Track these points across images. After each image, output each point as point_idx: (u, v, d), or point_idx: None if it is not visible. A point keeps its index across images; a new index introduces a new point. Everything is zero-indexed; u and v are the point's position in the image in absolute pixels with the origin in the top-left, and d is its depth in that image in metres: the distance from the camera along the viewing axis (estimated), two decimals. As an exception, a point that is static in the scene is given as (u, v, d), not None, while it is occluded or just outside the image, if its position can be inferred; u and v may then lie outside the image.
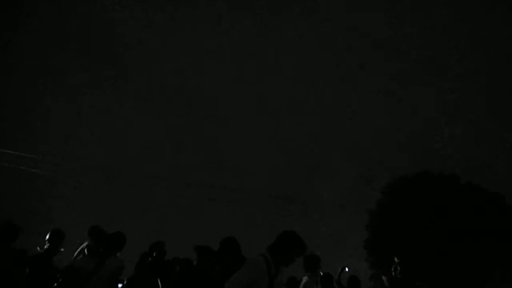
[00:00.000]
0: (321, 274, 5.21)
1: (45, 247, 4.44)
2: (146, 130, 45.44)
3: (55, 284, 4.33)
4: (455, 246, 20.64)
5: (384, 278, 5.08)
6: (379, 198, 24.93)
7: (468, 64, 45.06)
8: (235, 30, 50.06)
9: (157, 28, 48.42)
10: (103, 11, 44.81)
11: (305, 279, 4.79)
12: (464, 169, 26.11)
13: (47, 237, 4.48)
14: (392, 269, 5.08)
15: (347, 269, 5.78)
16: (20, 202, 27.84)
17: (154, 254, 5.37)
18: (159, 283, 5.06)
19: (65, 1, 43.37)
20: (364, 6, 46.65)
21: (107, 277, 4.00)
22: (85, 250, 4.62)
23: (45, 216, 27.28)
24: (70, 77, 41.97)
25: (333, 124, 46.46)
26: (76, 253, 4.78)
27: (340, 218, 29.66)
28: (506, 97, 40.78)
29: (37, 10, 40.95)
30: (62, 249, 5.09)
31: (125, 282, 5.63)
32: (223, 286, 2.98)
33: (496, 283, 20.00)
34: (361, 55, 49.12)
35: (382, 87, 47.30)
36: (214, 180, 36.21)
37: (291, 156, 45.29)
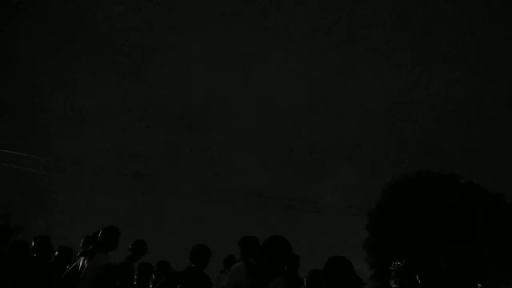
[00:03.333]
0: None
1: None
2: (146, 131, 45.47)
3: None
4: (455, 246, 20.66)
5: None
6: (379, 198, 24.94)
7: (468, 64, 45.04)
8: (236, 30, 50.07)
9: (160, 27, 48.48)
10: (105, 9, 44.86)
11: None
12: (464, 169, 26.14)
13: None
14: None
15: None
16: (20, 202, 27.89)
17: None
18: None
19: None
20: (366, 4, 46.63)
21: (90, 276, 3.68)
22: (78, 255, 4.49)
23: (44, 217, 27.32)
24: (72, 76, 41.98)
25: (332, 124, 46.48)
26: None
27: (340, 218, 29.67)
28: (507, 96, 40.75)
29: (37, 9, 40.99)
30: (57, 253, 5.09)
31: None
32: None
33: (496, 283, 20.02)
34: (360, 56, 49.14)
35: (381, 87, 47.33)
36: (216, 182, 36.25)
37: (291, 157, 45.31)
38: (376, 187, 25.65)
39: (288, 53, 52.49)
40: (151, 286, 5.59)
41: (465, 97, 45.02)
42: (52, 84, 41.12)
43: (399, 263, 5.27)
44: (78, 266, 3.96)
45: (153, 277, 5.59)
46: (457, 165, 30.87)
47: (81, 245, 4.36)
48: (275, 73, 51.85)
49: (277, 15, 47.93)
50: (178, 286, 4.39)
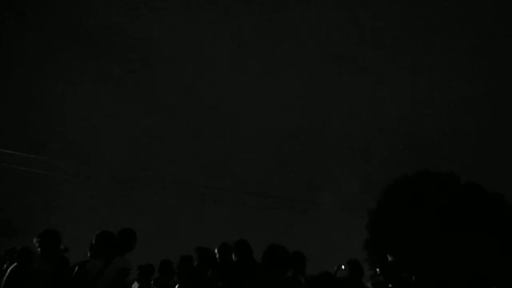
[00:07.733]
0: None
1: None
2: (147, 131, 45.49)
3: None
4: (455, 246, 20.68)
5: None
6: (379, 198, 24.98)
7: (468, 62, 45.03)
8: (236, 28, 50.16)
9: (165, 28, 48.50)
10: (111, 10, 44.93)
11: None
12: (464, 169, 26.12)
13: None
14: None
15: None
16: (20, 203, 27.95)
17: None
18: None
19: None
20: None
21: (111, 279, 3.73)
22: (88, 254, 4.45)
23: (46, 217, 27.37)
24: (76, 76, 41.93)
25: (332, 124, 46.48)
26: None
27: (340, 218, 29.72)
28: (507, 96, 40.70)
29: (44, 6, 41.03)
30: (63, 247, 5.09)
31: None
32: None
33: (496, 283, 20.00)
34: (358, 54, 49.09)
35: (381, 87, 47.39)
36: (218, 183, 36.20)
37: (291, 158, 45.31)
38: (376, 187, 25.69)
39: (288, 55, 52.52)
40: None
41: (465, 97, 45.02)
42: (53, 84, 41.14)
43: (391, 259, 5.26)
44: (93, 268, 3.88)
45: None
46: (457, 165, 30.85)
47: (93, 244, 4.26)
48: (276, 74, 51.90)
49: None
50: (177, 285, 4.45)
